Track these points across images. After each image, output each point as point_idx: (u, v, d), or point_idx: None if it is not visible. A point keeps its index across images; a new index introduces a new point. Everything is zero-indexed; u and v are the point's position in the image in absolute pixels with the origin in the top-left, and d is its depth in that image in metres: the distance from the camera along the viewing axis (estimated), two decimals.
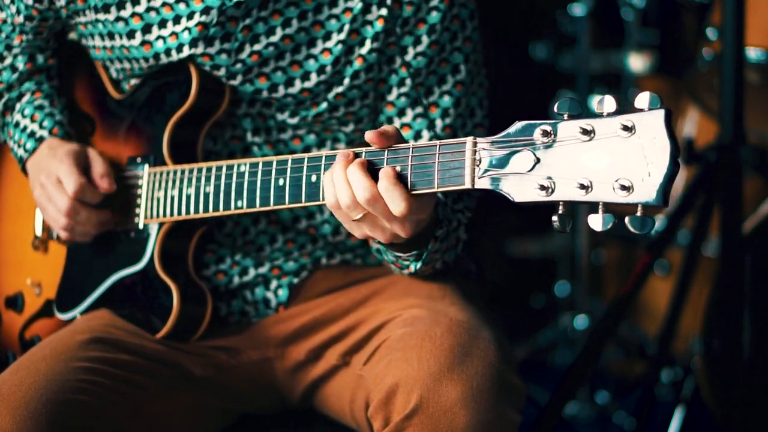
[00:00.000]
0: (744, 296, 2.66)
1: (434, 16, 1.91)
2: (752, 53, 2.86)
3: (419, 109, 1.95)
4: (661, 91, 3.74)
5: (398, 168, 1.59)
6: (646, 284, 2.68)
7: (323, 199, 1.65)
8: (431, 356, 1.68)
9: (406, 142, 1.62)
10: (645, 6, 3.72)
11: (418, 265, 1.79)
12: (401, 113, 1.95)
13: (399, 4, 1.90)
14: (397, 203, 1.57)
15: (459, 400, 1.64)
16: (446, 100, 1.95)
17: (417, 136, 1.94)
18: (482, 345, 1.73)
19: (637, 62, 3.72)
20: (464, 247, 1.93)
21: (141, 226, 1.95)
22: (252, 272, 2.02)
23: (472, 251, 2.12)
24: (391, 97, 1.95)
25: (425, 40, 1.92)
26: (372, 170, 1.60)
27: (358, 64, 1.91)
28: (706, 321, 2.89)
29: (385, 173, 1.57)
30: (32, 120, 2.05)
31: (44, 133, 2.03)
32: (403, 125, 1.94)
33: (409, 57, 1.92)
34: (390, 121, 1.96)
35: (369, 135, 1.60)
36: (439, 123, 1.94)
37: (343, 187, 1.60)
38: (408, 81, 1.93)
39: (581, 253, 3.85)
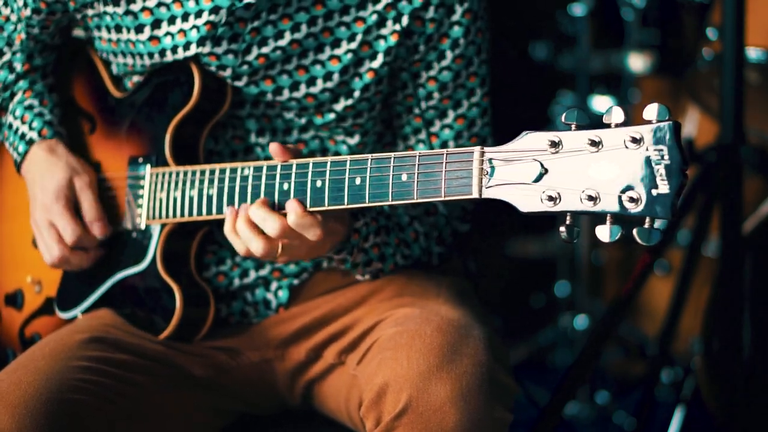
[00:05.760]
0: (744, 296, 2.66)
1: (457, 30, 1.93)
2: (752, 53, 2.85)
3: (447, 120, 1.98)
4: (661, 91, 3.74)
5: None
6: (646, 284, 2.68)
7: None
8: (420, 355, 1.68)
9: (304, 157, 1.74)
10: (645, 6, 3.72)
11: (349, 259, 1.86)
12: (429, 124, 1.98)
13: (421, 22, 1.91)
14: (310, 231, 1.70)
15: (448, 399, 1.64)
16: (474, 111, 1.98)
17: (443, 145, 1.99)
18: (472, 343, 1.73)
19: (637, 62, 3.71)
20: (459, 244, 1.93)
21: (143, 227, 1.95)
22: (252, 274, 2.01)
23: (472, 251, 2.12)
24: (418, 111, 1.98)
25: (449, 54, 1.94)
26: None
27: (369, 77, 1.92)
28: (706, 321, 2.89)
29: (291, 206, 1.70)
30: (22, 121, 2.04)
31: (33, 135, 2.01)
32: (431, 134, 1.98)
33: (434, 72, 1.95)
34: (416, 131, 1.99)
35: (276, 148, 1.73)
36: (465, 134, 1.98)
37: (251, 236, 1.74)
38: (435, 94, 1.96)
39: (581, 254, 3.85)
